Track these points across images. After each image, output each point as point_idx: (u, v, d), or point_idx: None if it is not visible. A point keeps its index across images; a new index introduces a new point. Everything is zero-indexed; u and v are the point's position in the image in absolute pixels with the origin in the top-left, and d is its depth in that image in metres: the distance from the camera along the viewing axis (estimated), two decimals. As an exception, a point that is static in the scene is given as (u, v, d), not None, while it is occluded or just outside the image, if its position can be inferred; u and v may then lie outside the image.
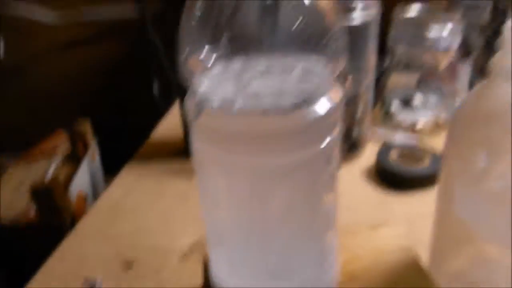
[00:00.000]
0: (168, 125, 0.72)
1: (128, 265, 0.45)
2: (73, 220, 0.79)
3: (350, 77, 0.56)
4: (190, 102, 0.27)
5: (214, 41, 0.28)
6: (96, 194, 0.92)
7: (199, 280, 0.42)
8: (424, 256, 0.37)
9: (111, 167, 0.98)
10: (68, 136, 0.92)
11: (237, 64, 0.29)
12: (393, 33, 0.63)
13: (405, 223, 0.48)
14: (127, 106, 0.98)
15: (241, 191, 0.26)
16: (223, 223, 0.28)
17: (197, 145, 0.27)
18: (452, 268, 0.35)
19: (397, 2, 0.64)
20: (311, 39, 0.25)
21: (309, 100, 0.24)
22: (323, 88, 0.25)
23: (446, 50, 0.59)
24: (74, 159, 0.87)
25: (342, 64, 0.26)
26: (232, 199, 0.27)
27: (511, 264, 0.29)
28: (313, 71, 0.27)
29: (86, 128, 0.90)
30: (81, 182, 0.84)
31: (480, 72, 0.75)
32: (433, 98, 0.69)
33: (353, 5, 0.51)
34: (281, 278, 0.30)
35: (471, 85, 0.73)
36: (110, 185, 0.58)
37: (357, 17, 0.51)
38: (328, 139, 0.26)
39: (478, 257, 0.32)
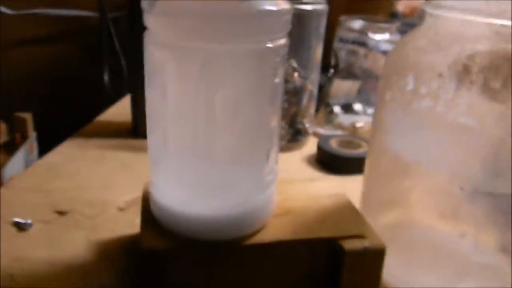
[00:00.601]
0: (116, 111, 0.72)
1: (61, 213, 0.43)
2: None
3: (298, 70, 0.60)
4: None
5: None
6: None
7: (136, 228, 0.42)
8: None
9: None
10: (7, 125, 0.89)
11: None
12: (337, 38, 0.68)
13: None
14: (76, 101, 0.96)
15: (190, 78, 0.27)
16: (169, 122, 0.29)
17: (150, 36, 0.29)
18: (379, 199, 0.37)
19: (341, 14, 0.70)
20: None
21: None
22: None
23: (385, 53, 0.65)
24: (10, 149, 0.84)
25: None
26: (181, 90, 0.28)
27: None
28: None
29: (27, 120, 0.88)
30: (14, 170, 0.80)
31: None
32: (372, 108, 0.74)
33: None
34: (225, 191, 0.31)
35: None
36: (49, 152, 0.56)
37: (308, 3, 0.55)
38: (276, 42, 0.28)
39: (398, 178, 0.34)
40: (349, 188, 0.52)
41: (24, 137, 0.87)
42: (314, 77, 0.62)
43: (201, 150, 0.29)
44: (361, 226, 0.34)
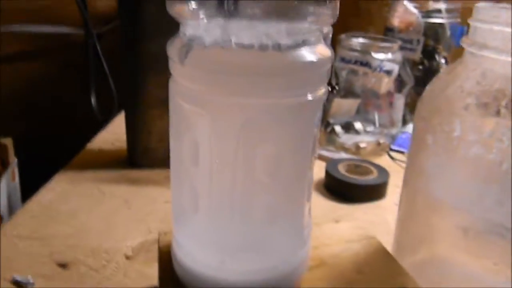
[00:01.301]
0: (107, 137, 0.68)
1: (63, 266, 0.39)
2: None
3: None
4: (175, 44, 0.25)
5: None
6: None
7: (147, 280, 0.38)
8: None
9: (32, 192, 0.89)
10: (-15, 151, 0.84)
11: (220, 20, 0.28)
12: (338, 58, 0.66)
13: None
14: (63, 123, 0.91)
15: (228, 138, 0.24)
16: (201, 183, 0.26)
17: (179, 90, 0.25)
18: (413, 261, 0.35)
19: (337, 31, 0.68)
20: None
21: (303, 43, 0.24)
22: (314, 38, 0.25)
23: (388, 74, 0.63)
24: (-10, 177, 0.78)
25: (329, 22, 0.26)
26: (216, 148, 0.25)
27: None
28: (298, 28, 0.27)
29: (7, 146, 0.82)
30: (-3, 201, 0.75)
31: (411, 106, 0.80)
32: (372, 126, 0.72)
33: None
34: (257, 250, 0.28)
35: (404, 118, 0.78)
36: (40, 190, 0.52)
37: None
38: (316, 92, 0.26)
39: (438, 247, 0.32)
40: (367, 219, 0.50)
41: (5, 164, 0.82)
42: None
43: (238, 209, 0.27)
44: (402, 276, 0.32)
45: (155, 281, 0.37)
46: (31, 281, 0.37)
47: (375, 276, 0.32)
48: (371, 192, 0.53)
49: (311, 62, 0.24)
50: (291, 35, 0.24)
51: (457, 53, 0.81)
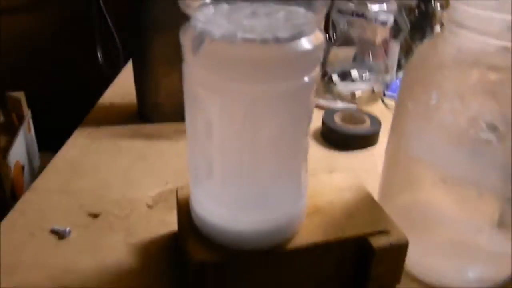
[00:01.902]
0: (117, 91, 0.72)
1: (94, 216, 0.45)
2: (13, 190, 0.76)
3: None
4: (187, 36, 0.29)
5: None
6: (32, 166, 0.89)
7: (168, 226, 0.44)
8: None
9: (46, 142, 0.95)
10: (2, 107, 0.88)
11: (225, 7, 0.31)
12: (335, 10, 0.68)
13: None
14: (69, 76, 0.95)
15: (236, 118, 0.29)
16: (214, 155, 0.31)
17: (193, 77, 0.30)
18: (398, 203, 0.41)
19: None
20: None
21: (300, 34, 0.28)
22: (309, 27, 0.29)
23: (384, 24, 0.66)
24: (9, 130, 0.83)
25: (323, 11, 0.29)
26: (226, 126, 0.30)
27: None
28: (296, 15, 0.30)
29: (21, 99, 0.87)
30: (18, 152, 0.81)
31: (406, 51, 0.83)
32: (367, 73, 0.76)
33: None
34: (264, 206, 0.33)
35: (399, 64, 0.81)
36: (63, 146, 0.57)
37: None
38: (312, 74, 0.30)
39: (419, 190, 0.38)
40: (359, 166, 0.56)
41: (20, 117, 0.86)
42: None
43: (246, 174, 0.32)
44: (385, 221, 0.38)
45: (174, 227, 0.43)
46: (68, 229, 0.43)
47: (362, 220, 0.38)
48: (363, 141, 0.58)
49: (307, 51, 0.28)
50: (289, 27, 0.28)
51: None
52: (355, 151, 0.58)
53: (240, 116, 0.29)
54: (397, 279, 0.38)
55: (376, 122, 0.60)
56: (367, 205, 0.40)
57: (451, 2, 0.33)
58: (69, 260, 0.40)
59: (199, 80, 0.29)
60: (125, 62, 0.80)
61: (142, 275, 0.39)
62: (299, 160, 0.33)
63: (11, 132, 0.83)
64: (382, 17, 0.65)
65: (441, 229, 0.37)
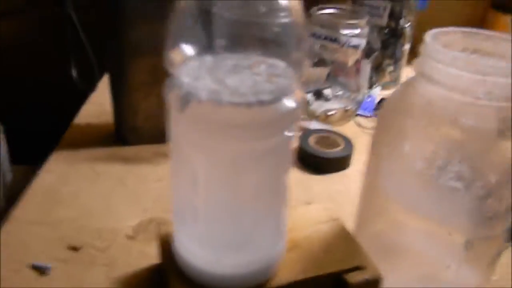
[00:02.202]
0: (92, 109, 0.72)
1: (75, 249, 0.46)
2: (-15, 209, 0.74)
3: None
4: (173, 94, 0.30)
5: (193, 39, 0.31)
6: (4, 182, 0.87)
7: (148, 258, 0.45)
8: (347, 224, 0.44)
9: (19, 157, 0.93)
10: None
11: (208, 60, 0.32)
12: (309, 33, 0.70)
13: (326, 198, 0.56)
14: (41, 90, 0.93)
15: (221, 172, 0.30)
16: (200, 202, 0.32)
17: (179, 132, 0.31)
18: (372, 231, 0.43)
19: (312, 4, 0.71)
20: (282, 45, 0.30)
21: (283, 96, 0.29)
22: (291, 87, 0.30)
23: (356, 48, 0.68)
24: (-22, 145, 0.82)
25: (305, 70, 0.31)
26: (212, 179, 0.31)
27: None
28: (278, 73, 0.31)
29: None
30: (-11, 169, 0.79)
31: (376, 69, 0.86)
32: (340, 91, 0.78)
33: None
34: (246, 249, 0.35)
35: (371, 79, 0.84)
36: (40, 171, 0.57)
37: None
38: (291, 131, 0.31)
39: (391, 220, 0.40)
40: (334, 188, 0.58)
41: (-9, 132, 0.85)
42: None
43: (230, 221, 0.33)
44: (360, 256, 0.40)
45: (155, 259, 0.44)
46: (49, 265, 0.43)
47: (339, 256, 0.40)
48: (338, 164, 0.61)
49: (289, 110, 0.29)
50: (272, 88, 0.29)
51: (421, 16, 0.86)
52: (329, 174, 0.60)
53: (224, 170, 0.30)
54: (371, 311, 0.40)
55: (349, 144, 0.63)
56: (343, 239, 0.42)
57: (421, 56, 0.35)
58: (51, 297, 0.40)
59: (184, 136, 0.30)
60: (100, 77, 0.79)
61: (126, 312, 0.40)
62: (280, 203, 0.35)
63: (-18, 148, 0.81)
64: (355, 41, 0.67)
65: (414, 263, 0.39)
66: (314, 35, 0.68)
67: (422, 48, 0.34)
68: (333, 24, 0.66)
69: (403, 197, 0.37)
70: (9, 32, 0.91)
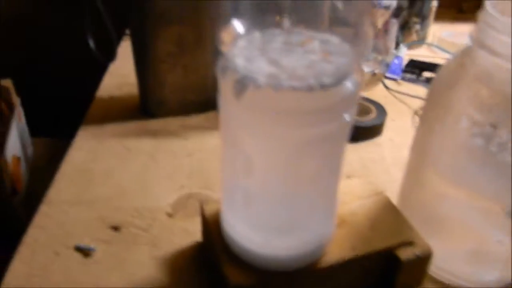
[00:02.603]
0: (114, 81, 0.70)
1: (116, 229, 0.45)
2: (13, 185, 0.75)
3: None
4: (228, 78, 0.28)
5: (243, 14, 0.29)
6: (26, 156, 0.87)
7: (190, 235, 0.45)
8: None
9: (37, 129, 0.92)
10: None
11: (257, 37, 0.31)
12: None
13: (361, 167, 0.55)
14: (59, 62, 0.91)
15: (278, 158, 0.29)
16: (254, 189, 0.31)
17: (232, 117, 0.29)
18: (417, 203, 0.42)
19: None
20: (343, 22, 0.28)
21: (344, 76, 0.27)
22: (351, 67, 0.28)
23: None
24: (0, 121, 0.81)
25: (367, 49, 0.29)
26: (268, 165, 0.30)
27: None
28: (334, 50, 0.30)
29: (9, 88, 0.83)
30: (13, 145, 0.79)
31: (402, 28, 0.83)
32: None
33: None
34: (298, 232, 0.34)
35: (396, 39, 0.81)
36: (70, 149, 0.56)
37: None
38: (350, 113, 0.30)
39: (441, 194, 0.39)
40: (368, 157, 0.57)
41: (10, 106, 0.84)
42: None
43: (284, 207, 0.32)
44: (409, 232, 0.39)
45: (196, 236, 0.44)
46: (92, 247, 0.43)
47: (387, 232, 0.39)
48: (371, 132, 0.59)
49: (351, 93, 0.28)
50: (333, 70, 0.27)
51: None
52: (363, 141, 0.59)
53: (283, 156, 0.29)
54: (419, 284, 0.40)
55: (382, 111, 0.61)
56: (390, 214, 0.41)
57: (480, 25, 0.32)
58: (97, 279, 0.40)
59: (241, 123, 0.29)
60: (118, 45, 0.77)
61: (174, 292, 0.40)
62: (335, 185, 0.34)
63: (2, 123, 0.81)
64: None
65: (463, 238, 0.39)
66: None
67: (481, 16, 0.32)
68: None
69: (456, 173, 0.36)
70: (24, 4, 0.88)
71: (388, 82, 0.73)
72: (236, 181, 0.32)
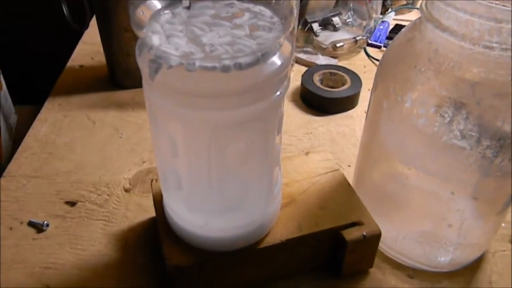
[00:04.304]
0: (86, 50, 0.69)
1: (71, 204, 0.45)
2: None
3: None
4: (143, 58, 0.27)
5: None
6: (8, 124, 0.87)
7: (145, 212, 0.44)
8: (347, 173, 0.42)
9: (19, 96, 0.91)
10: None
11: (182, 10, 0.29)
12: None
13: (329, 143, 0.53)
14: (34, 29, 0.89)
15: (201, 142, 0.28)
16: (182, 171, 0.30)
17: (153, 100, 0.28)
18: (372, 182, 0.41)
19: None
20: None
21: (264, 57, 0.26)
22: (276, 44, 0.27)
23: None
24: (-22, 88, 0.80)
25: (292, 22, 0.27)
26: (192, 150, 0.28)
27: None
28: (262, 24, 0.28)
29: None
30: (-9, 113, 0.78)
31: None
32: (350, 18, 0.72)
33: None
34: (235, 213, 0.33)
35: (384, 2, 0.77)
36: (35, 121, 0.55)
37: None
38: (279, 90, 0.28)
39: (392, 174, 0.37)
40: (338, 131, 0.55)
41: (-11, 74, 0.82)
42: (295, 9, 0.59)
43: (215, 188, 0.31)
44: (359, 211, 0.38)
45: (151, 212, 0.43)
46: (46, 222, 0.43)
47: (336, 211, 0.38)
48: (343, 104, 0.57)
49: (273, 72, 0.26)
50: (254, 47, 0.25)
51: None
52: (335, 114, 0.57)
53: (205, 139, 0.28)
54: (370, 264, 0.39)
55: (357, 82, 0.59)
56: (342, 192, 0.40)
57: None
58: (48, 255, 0.41)
59: (159, 105, 0.27)
60: (92, 15, 0.75)
61: (122, 268, 0.40)
62: (270, 166, 0.32)
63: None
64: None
65: (415, 220, 0.38)
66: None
67: (429, -13, 0.30)
68: None
69: (404, 153, 0.34)
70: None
71: (371, 50, 0.70)
72: (166, 162, 0.31)
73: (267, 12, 0.29)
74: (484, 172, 0.31)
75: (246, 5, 0.29)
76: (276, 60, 0.27)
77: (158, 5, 0.27)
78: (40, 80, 0.88)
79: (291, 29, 0.27)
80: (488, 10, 0.27)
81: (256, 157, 0.30)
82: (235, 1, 0.29)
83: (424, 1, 0.31)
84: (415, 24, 0.33)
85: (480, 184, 0.32)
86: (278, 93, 0.28)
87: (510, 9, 0.26)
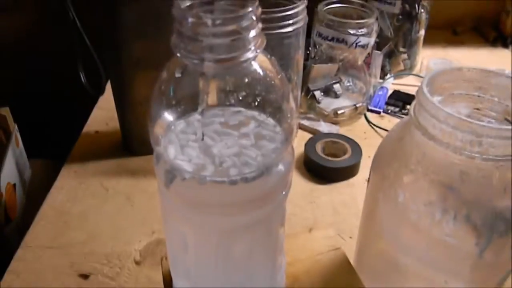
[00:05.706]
0: (101, 115, 0.72)
1: (84, 277, 0.47)
2: (6, 212, 0.78)
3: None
4: (160, 168, 0.30)
5: (172, 104, 0.31)
6: (23, 181, 0.90)
7: (154, 284, 0.47)
8: (349, 245, 0.44)
9: (34, 151, 0.95)
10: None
11: (196, 119, 0.32)
12: (316, 32, 0.67)
13: (331, 212, 0.56)
14: (49, 91, 0.94)
15: (209, 242, 0.30)
16: (190, 262, 0.33)
17: (166, 202, 0.31)
18: (370, 261, 0.43)
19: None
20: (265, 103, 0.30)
21: (269, 169, 0.29)
22: (279, 154, 0.30)
23: (364, 47, 0.65)
24: (-4, 147, 0.84)
25: (295, 128, 0.30)
26: (200, 247, 0.31)
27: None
28: (266, 134, 0.31)
29: (6, 115, 0.86)
30: (8, 173, 0.81)
31: (389, 57, 0.83)
32: (350, 84, 0.76)
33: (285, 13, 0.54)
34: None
35: (383, 69, 0.81)
36: (52, 189, 0.58)
37: (289, 25, 0.54)
38: (283, 191, 0.31)
39: (387, 258, 0.40)
40: (340, 200, 0.57)
41: (7, 133, 0.86)
42: (298, 80, 0.63)
43: (221, 280, 0.33)
44: (358, 292, 0.40)
45: (160, 285, 0.46)
46: (61, 295, 0.45)
47: (337, 291, 0.40)
48: (345, 173, 0.60)
49: (277, 182, 0.29)
50: (259, 160, 0.28)
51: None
52: (337, 183, 0.60)
53: (213, 240, 0.30)
54: None
55: (357, 151, 0.62)
56: (343, 273, 0.42)
57: (416, 104, 0.33)
58: (63, 329, 0.43)
59: (172, 208, 0.30)
60: (107, 80, 0.79)
61: None
62: (275, 254, 0.35)
63: (-1, 151, 0.83)
64: (363, 41, 0.64)
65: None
66: (320, 35, 0.65)
67: (418, 96, 0.33)
68: (339, 24, 0.63)
69: (398, 241, 0.36)
70: (13, 30, 0.91)
71: (370, 115, 0.74)
72: (177, 255, 0.34)
73: (270, 121, 0.32)
74: (474, 265, 0.33)
75: (251, 112, 0.32)
76: (280, 168, 0.29)
77: (172, 117, 0.30)
78: (53, 133, 0.90)
79: (291, 136, 0.30)
80: (469, 125, 0.29)
81: (260, 250, 0.33)
82: (242, 109, 0.33)
83: (413, 106, 0.34)
84: (406, 124, 0.36)
85: (472, 274, 0.34)
86: (282, 193, 0.31)
87: (489, 125, 0.29)
